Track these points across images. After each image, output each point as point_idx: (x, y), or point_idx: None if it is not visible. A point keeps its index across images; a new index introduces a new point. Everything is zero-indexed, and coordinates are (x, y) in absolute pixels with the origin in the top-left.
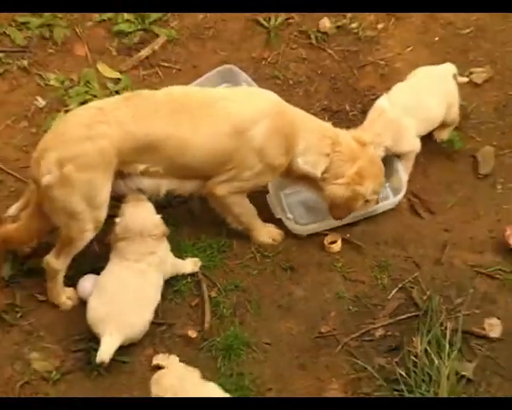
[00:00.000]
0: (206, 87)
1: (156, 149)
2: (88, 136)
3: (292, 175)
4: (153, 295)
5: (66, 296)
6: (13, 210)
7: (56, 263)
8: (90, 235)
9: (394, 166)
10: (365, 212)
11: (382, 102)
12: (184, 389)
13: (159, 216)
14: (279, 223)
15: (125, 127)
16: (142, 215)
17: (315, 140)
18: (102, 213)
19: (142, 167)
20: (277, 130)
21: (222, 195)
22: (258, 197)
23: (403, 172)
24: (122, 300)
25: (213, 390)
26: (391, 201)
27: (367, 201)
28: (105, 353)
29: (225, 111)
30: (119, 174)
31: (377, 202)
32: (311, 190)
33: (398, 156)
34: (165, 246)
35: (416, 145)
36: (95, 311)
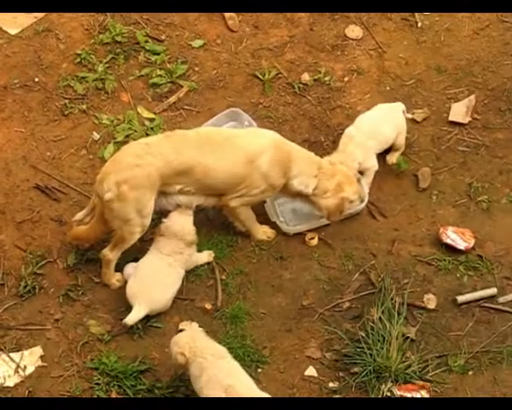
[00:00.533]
0: (223, 127)
1: (188, 174)
2: (138, 164)
3: (288, 192)
4: (174, 282)
5: (115, 279)
6: (79, 216)
7: (111, 255)
8: (137, 236)
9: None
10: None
11: (350, 130)
12: (195, 346)
13: (194, 228)
14: (273, 224)
15: (165, 158)
16: (181, 222)
17: (305, 166)
18: (147, 221)
19: (178, 187)
20: (277, 159)
21: (234, 206)
22: (257, 206)
23: (365, 186)
24: (151, 282)
25: (217, 346)
26: (357, 208)
27: (351, 201)
28: (131, 318)
29: (239, 146)
30: (162, 193)
31: (360, 202)
32: (306, 203)
33: (361, 173)
34: (193, 250)
35: (375, 163)
36: (130, 288)
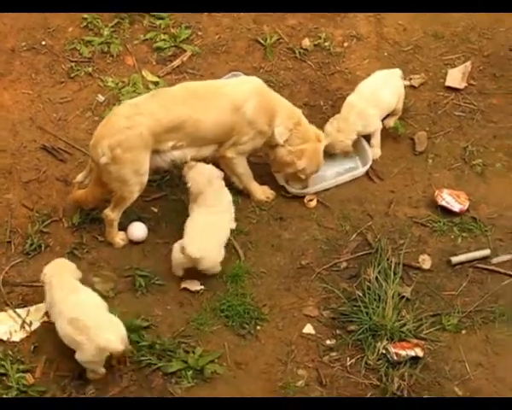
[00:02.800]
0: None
1: (179, 129)
2: (129, 126)
3: (268, 144)
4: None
5: (119, 238)
6: (79, 178)
7: (112, 215)
8: (136, 194)
9: (362, 145)
10: (338, 179)
11: (352, 98)
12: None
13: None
14: (276, 187)
15: (154, 116)
16: (201, 170)
17: (286, 118)
18: (145, 179)
19: (171, 144)
20: (262, 106)
21: (230, 156)
22: (270, 174)
23: (369, 149)
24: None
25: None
26: (360, 170)
27: (296, 175)
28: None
29: (224, 94)
30: (155, 151)
31: (306, 181)
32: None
33: (367, 137)
34: (223, 184)
35: (378, 125)
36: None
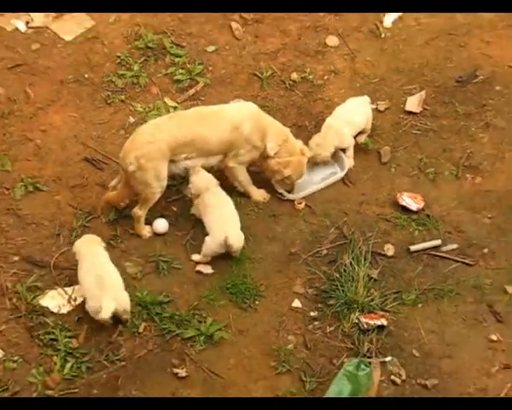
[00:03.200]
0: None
1: (190, 144)
2: (151, 141)
3: (262, 156)
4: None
5: (146, 231)
6: (113, 183)
7: (140, 212)
8: (158, 195)
9: (340, 155)
10: (325, 185)
11: (330, 120)
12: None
13: (209, 174)
14: (271, 191)
15: (171, 134)
16: (201, 177)
17: (275, 135)
18: (164, 183)
19: (183, 155)
20: (256, 126)
21: (232, 166)
22: (265, 181)
23: (345, 158)
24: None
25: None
26: (339, 174)
27: (282, 180)
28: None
29: (226, 117)
30: (171, 161)
31: (292, 186)
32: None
33: (344, 150)
34: (218, 187)
35: (352, 141)
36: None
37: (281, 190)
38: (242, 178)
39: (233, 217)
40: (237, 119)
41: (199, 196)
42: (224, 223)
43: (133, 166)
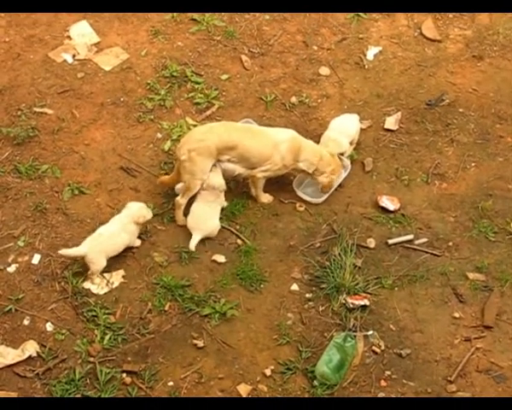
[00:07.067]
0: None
1: (235, 148)
2: (202, 139)
3: (298, 170)
4: (216, 215)
5: (181, 220)
6: (179, 186)
7: (181, 200)
8: (198, 187)
9: (340, 159)
10: (336, 185)
11: (327, 133)
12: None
13: (223, 181)
14: (274, 195)
15: (220, 136)
16: (216, 178)
17: (309, 155)
18: (205, 177)
19: (227, 157)
20: (291, 148)
21: (259, 177)
22: (270, 185)
23: (345, 159)
24: (202, 216)
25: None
26: (344, 175)
27: (326, 186)
28: (192, 243)
29: (269, 135)
30: (217, 160)
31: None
32: (311, 179)
33: (342, 154)
34: (222, 195)
35: (348, 146)
36: (189, 223)
37: (307, 198)
38: (261, 185)
39: (210, 216)
40: (278, 138)
41: (206, 191)
42: (200, 214)
43: (185, 156)
